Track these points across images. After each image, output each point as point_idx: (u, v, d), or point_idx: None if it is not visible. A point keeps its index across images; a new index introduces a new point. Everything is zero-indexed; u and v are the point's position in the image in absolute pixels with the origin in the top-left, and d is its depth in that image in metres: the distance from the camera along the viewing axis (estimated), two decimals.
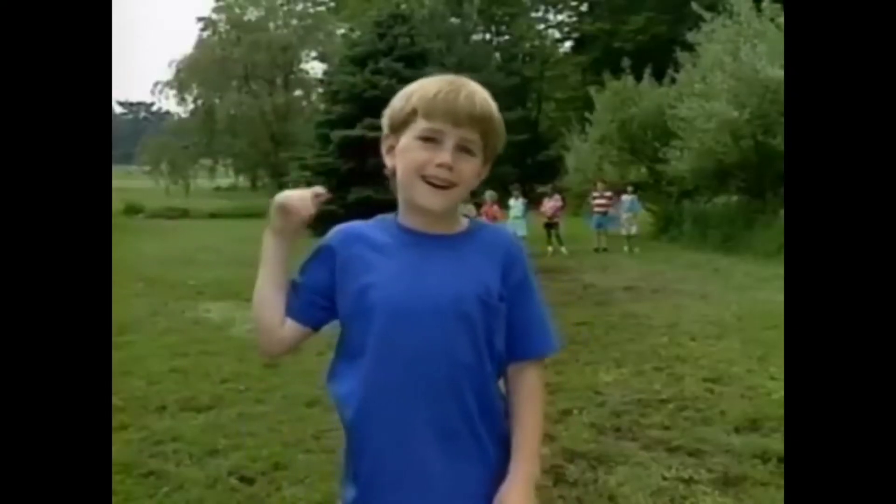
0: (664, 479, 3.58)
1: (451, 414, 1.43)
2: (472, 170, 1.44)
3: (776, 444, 3.99)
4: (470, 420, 1.44)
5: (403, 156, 1.43)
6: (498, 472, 1.48)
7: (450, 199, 1.43)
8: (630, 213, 16.32)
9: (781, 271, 11.44)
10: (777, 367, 5.65)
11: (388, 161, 1.48)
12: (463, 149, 1.41)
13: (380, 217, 1.55)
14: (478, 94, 1.43)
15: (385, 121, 1.49)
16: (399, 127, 1.44)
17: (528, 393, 1.50)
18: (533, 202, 17.47)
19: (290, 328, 1.51)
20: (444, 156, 1.39)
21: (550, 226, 16.15)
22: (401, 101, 1.45)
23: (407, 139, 1.42)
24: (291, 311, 1.51)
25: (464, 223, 1.52)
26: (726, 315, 8.01)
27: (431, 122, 1.40)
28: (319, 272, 1.51)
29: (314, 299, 1.50)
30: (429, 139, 1.40)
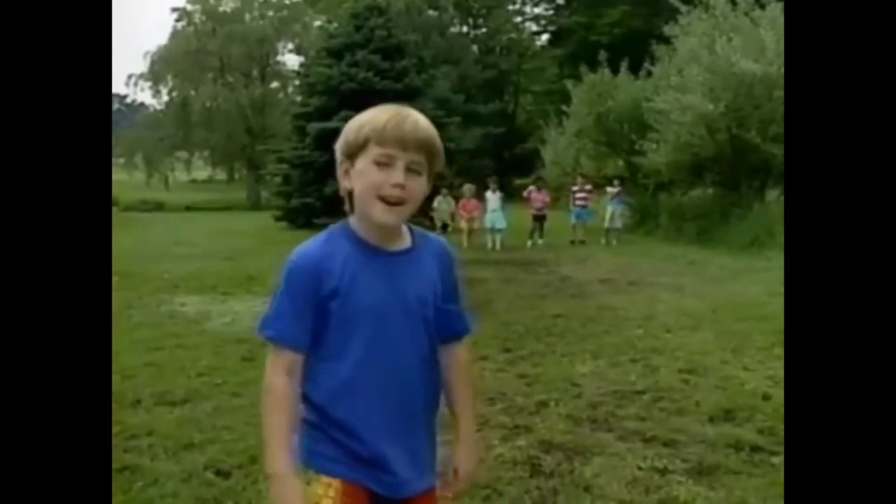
0: (639, 469, 3.61)
1: (417, 399, 1.73)
2: (420, 188, 1.67)
3: (749, 433, 4.05)
4: (427, 402, 1.76)
5: (361, 178, 1.64)
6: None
7: (402, 215, 1.66)
8: (614, 208, 16.24)
9: (755, 264, 11.61)
10: (750, 357, 5.72)
11: (344, 183, 1.69)
12: (412, 170, 1.64)
13: (332, 231, 1.73)
14: (422, 122, 1.66)
15: (340, 148, 1.69)
16: (354, 154, 1.65)
17: (463, 367, 1.85)
18: (511, 195, 17.48)
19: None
20: (397, 177, 1.61)
21: (539, 218, 16.08)
22: (354, 131, 1.65)
23: (362, 164, 1.64)
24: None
25: (407, 234, 1.76)
26: (701, 307, 8.08)
27: (384, 148, 1.61)
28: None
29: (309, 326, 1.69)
30: (382, 163, 1.62)
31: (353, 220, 1.71)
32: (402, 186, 1.61)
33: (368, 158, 1.62)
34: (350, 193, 1.68)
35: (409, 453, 1.70)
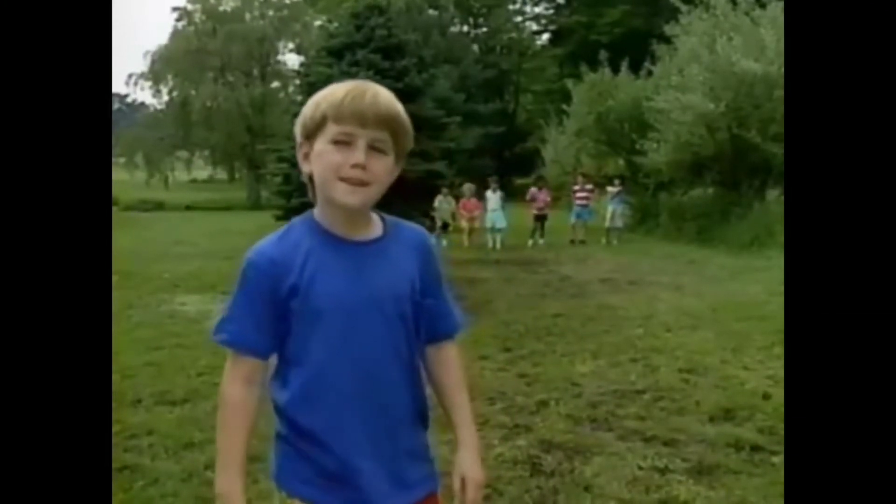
0: (639, 468, 3.61)
1: (396, 404, 1.57)
2: (384, 168, 1.50)
3: (749, 433, 4.05)
4: (410, 407, 1.61)
5: (319, 160, 1.49)
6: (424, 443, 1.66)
7: (367, 196, 1.49)
8: (615, 207, 16.20)
9: (755, 263, 11.62)
10: (750, 357, 5.72)
11: (304, 167, 1.55)
12: (374, 148, 1.48)
13: (293, 223, 1.58)
14: (382, 96, 1.50)
15: (298, 129, 1.55)
16: (312, 134, 1.50)
17: (455, 367, 1.69)
18: (511, 195, 17.45)
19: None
20: (358, 156, 1.46)
21: (540, 218, 16.02)
22: (311, 109, 1.51)
23: (321, 144, 1.48)
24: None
25: (378, 223, 1.60)
26: (701, 306, 8.08)
27: (342, 126, 1.46)
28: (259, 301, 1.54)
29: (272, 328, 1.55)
30: (341, 142, 1.47)
31: (316, 210, 1.56)
32: (363, 167, 1.45)
33: (326, 138, 1.47)
34: (312, 178, 1.53)
35: (388, 465, 1.55)
